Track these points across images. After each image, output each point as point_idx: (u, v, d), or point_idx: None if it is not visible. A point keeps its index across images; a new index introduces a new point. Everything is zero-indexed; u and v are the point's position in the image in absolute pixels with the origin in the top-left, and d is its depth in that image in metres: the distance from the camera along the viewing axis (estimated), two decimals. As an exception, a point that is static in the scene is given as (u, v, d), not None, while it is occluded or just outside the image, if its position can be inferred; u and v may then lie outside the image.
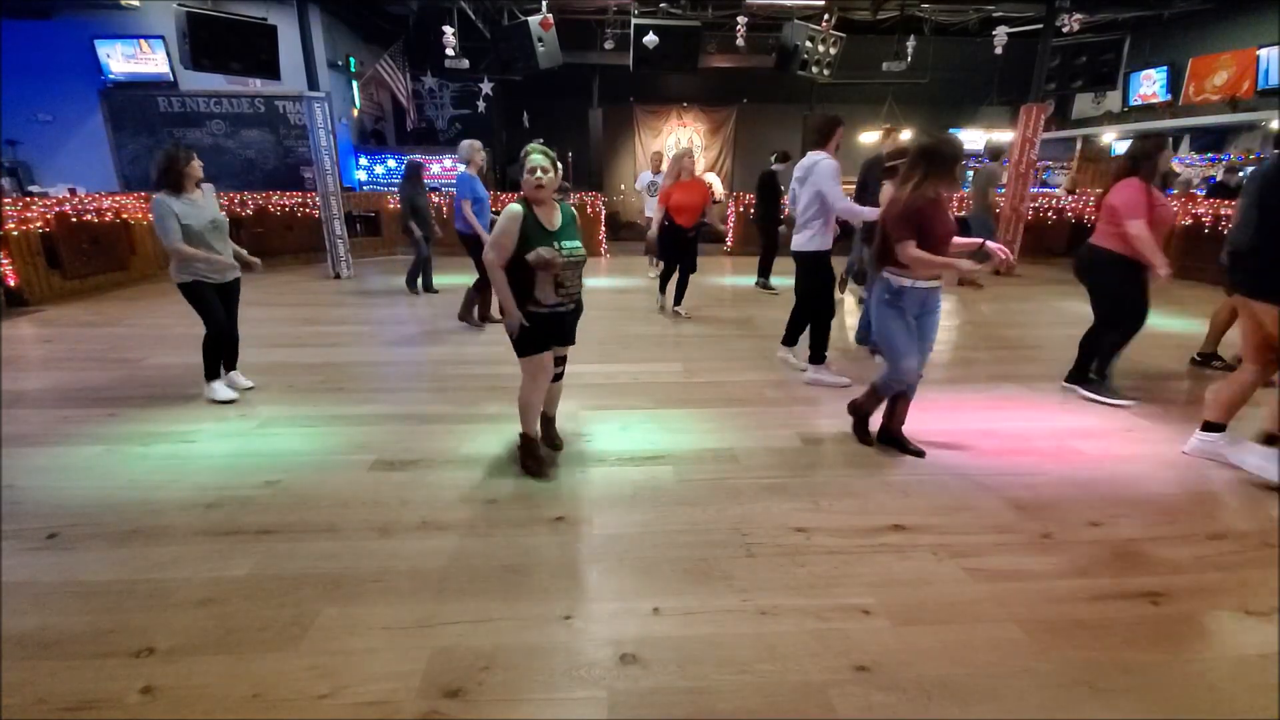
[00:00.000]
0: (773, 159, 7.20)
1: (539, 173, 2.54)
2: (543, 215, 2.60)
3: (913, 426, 3.38)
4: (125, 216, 7.41)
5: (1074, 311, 6.23)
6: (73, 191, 7.61)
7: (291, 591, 2.02)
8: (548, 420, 3.09)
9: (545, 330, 2.67)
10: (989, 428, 3.37)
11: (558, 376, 2.94)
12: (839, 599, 2.00)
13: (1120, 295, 3.61)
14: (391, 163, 11.45)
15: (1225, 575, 2.14)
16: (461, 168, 5.31)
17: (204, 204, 3.52)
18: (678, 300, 5.98)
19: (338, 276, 8.13)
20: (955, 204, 8.51)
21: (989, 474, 2.85)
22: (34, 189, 8.39)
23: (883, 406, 3.09)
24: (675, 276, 5.93)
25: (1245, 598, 2.02)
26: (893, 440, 3.10)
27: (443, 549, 2.26)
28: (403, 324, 5.77)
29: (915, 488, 2.73)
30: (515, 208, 2.54)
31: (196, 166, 3.48)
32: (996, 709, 1.60)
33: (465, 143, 5.30)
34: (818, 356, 4.09)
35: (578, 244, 2.64)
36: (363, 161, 11.42)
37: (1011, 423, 3.45)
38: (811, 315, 4.09)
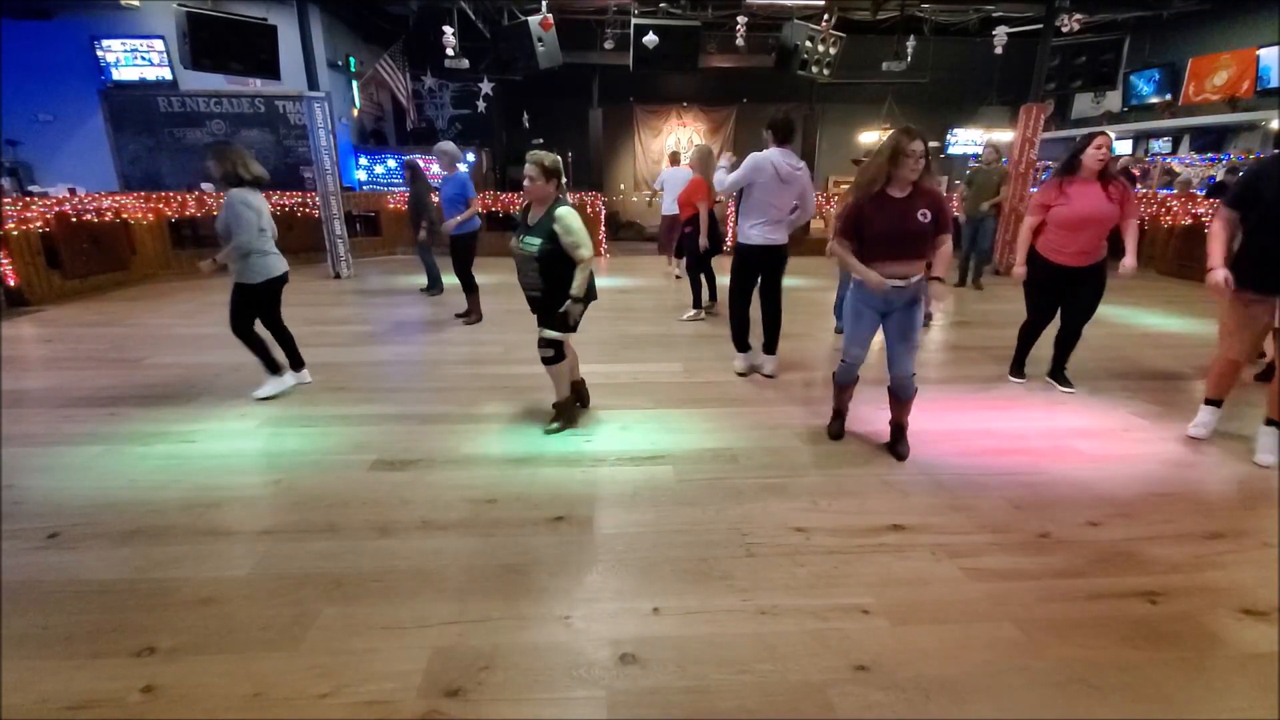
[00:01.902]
0: None
1: (526, 180, 2.97)
2: (531, 213, 3.05)
3: (912, 425, 3.39)
4: (125, 216, 7.41)
5: (1073, 311, 6.24)
6: (73, 191, 7.60)
7: (292, 591, 2.03)
8: (574, 387, 3.44)
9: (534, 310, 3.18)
10: (987, 427, 3.38)
11: (542, 359, 3.19)
12: (838, 599, 2.01)
13: (1029, 290, 3.85)
14: (391, 163, 11.45)
15: (1223, 575, 2.15)
16: (461, 169, 5.47)
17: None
18: (712, 297, 6.02)
19: (338, 276, 8.14)
20: (954, 204, 8.49)
21: (987, 474, 2.85)
22: (34, 189, 8.38)
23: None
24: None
25: (1244, 598, 2.02)
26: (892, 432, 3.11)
27: (443, 549, 2.27)
28: (403, 324, 5.77)
29: (914, 487, 2.73)
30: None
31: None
32: (994, 708, 1.60)
33: (452, 145, 5.48)
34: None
35: (533, 241, 2.95)
36: (363, 161, 11.42)
37: (1009, 422, 3.46)
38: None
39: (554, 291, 3.01)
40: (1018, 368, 4.11)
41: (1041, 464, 2.96)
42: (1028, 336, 4.02)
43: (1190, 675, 1.71)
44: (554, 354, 3.14)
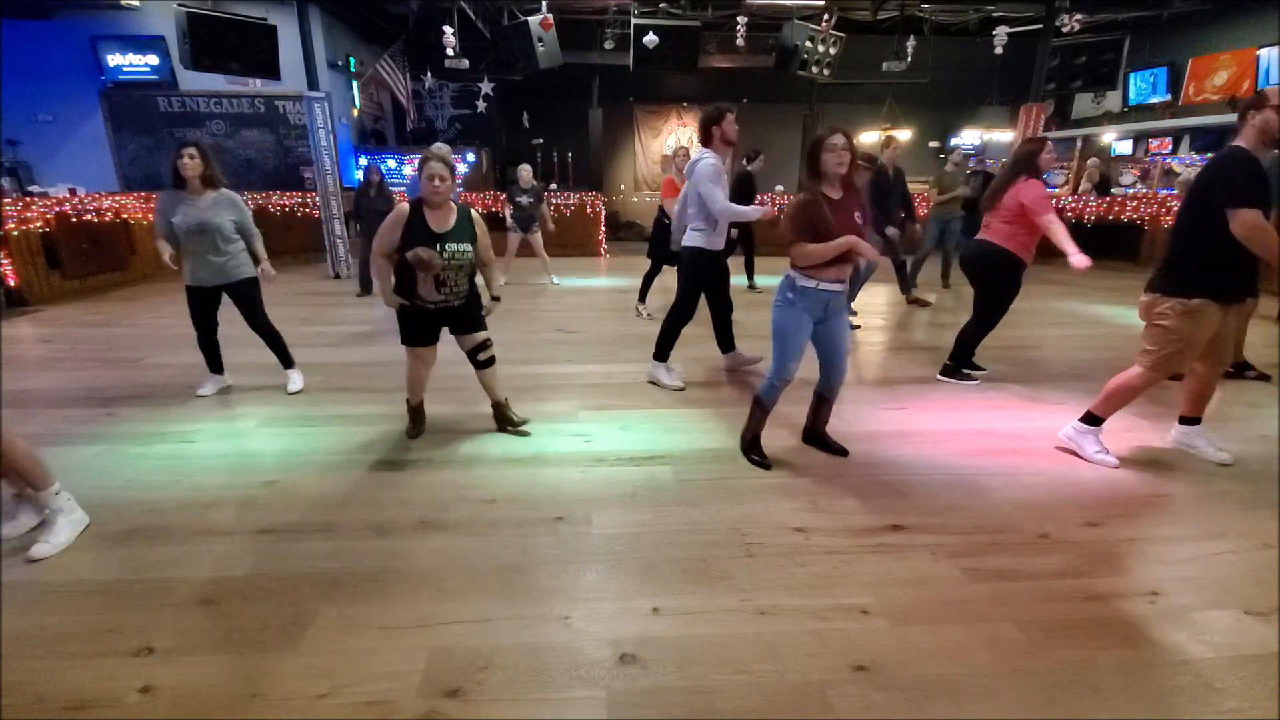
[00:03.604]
0: (744, 160, 7.22)
1: (436, 180, 2.73)
2: (433, 218, 2.79)
3: (912, 425, 3.39)
4: (125, 216, 7.41)
5: (1071, 311, 6.25)
6: (73, 191, 7.60)
7: (290, 591, 2.02)
8: (498, 404, 3.29)
9: (434, 323, 2.99)
10: (987, 428, 3.38)
11: (483, 364, 3.13)
12: (838, 599, 2.01)
13: (1007, 292, 3.83)
14: (391, 163, 11.44)
15: (1223, 575, 2.14)
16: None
17: (201, 204, 3.46)
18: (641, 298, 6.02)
19: (337, 276, 8.14)
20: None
21: (987, 474, 2.85)
22: (34, 189, 8.37)
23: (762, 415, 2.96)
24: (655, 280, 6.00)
25: (1244, 598, 2.02)
26: (816, 440, 3.12)
27: (442, 549, 2.26)
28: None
29: (913, 488, 2.73)
30: (404, 208, 2.79)
31: (187, 164, 3.40)
32: (994, 708, 1.60)
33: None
34: (663, 354, 4.01)
35: (466, 247, 2.82)
36: (362, 161, 11.41)
37: (1010, 423, 3.46)
38: (677, 314, 3.93)
39: (474, 296, 3.02)
40: (972, 363, 4.15)
41: (1041, 464, 2.96)
42: (982, 336, 4.06)
43: (1190, 676, 1.71)
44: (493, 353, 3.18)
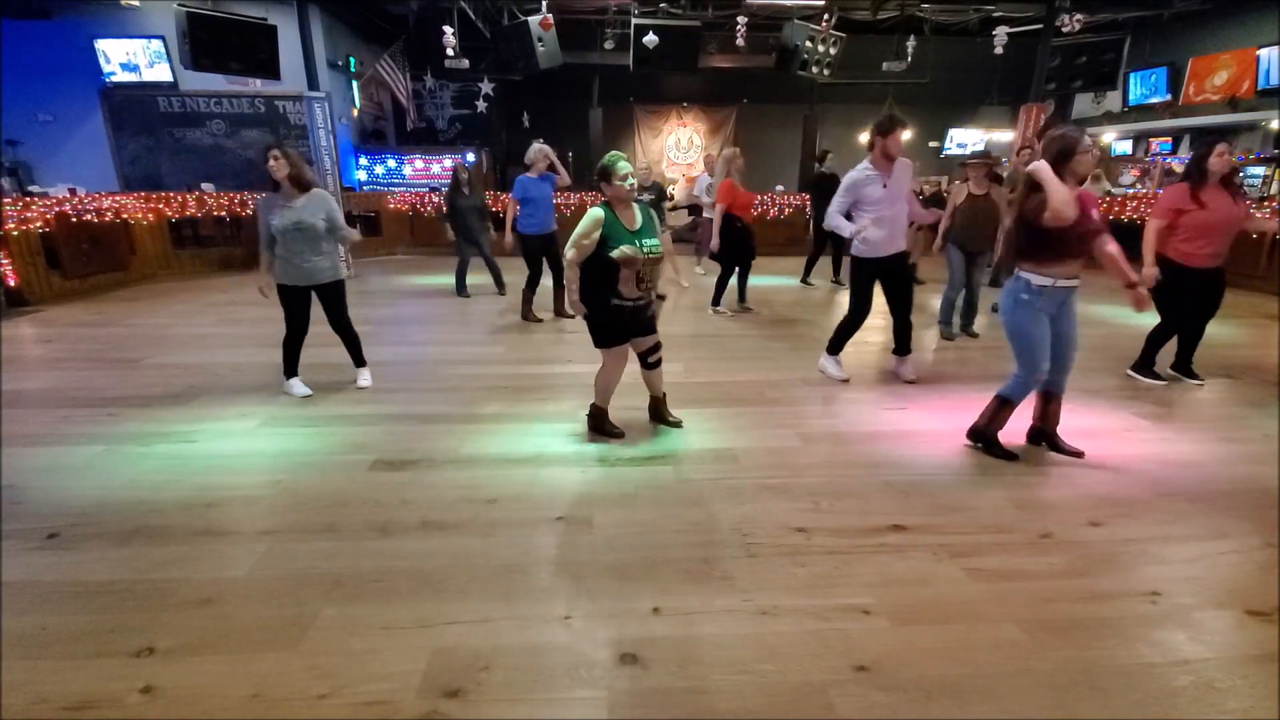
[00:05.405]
0: (817, 162, 7.27)
1: (630, 179, 2.88)
2: (624, 217, 2.92)
3: (913, 425, 3.39)
4: (125, 216, 7.41)
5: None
6: (73, 191, 7.60)
7: (292, 591, 2.02)
8: (657, 400, 3.34)
9: (627, 323, 3.01)
10: (989, 428, 3.37)
11: (654, 365, 3.20)
12: (839, 599, 2.00)
13: (1175, 294, 3.90)
14: (391, 162, 11.46)
15: (1225, 575, 2.14)
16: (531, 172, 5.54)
17: (297, 205, 3.53)
18: (741, 296, 6.20)
19: (338, 276, 8.12)
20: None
21: (989, 474, 2.85)
22: (34, 189, 8.37)
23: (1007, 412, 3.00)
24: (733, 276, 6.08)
25: (1245, 599, 2.02)
26: (1047, 439, 3.06)
27: (443, 549, 2.26)
28: (403, 324, 5.77)
29: (915, 488, 2.73)
30: (598, 212, 2.88)
31: (274, 166, 3.47)
32: (996, 709, 1.60)
33: (533, 146, 5.57)
34: (835, 348, 4.17)
35: (657, 242, 2.95)
36: (363, 161, 11.43)
37: (1012, 423, 3.43)
38: (853, 316, 4.07)
39: (651, 299, 3.08)
40: (1149, 368, 4.16)
41: (1044, 464, 2.96)
42: (1166, 339, 4.11)
43: (1192, 676, 1.70)
44: None
